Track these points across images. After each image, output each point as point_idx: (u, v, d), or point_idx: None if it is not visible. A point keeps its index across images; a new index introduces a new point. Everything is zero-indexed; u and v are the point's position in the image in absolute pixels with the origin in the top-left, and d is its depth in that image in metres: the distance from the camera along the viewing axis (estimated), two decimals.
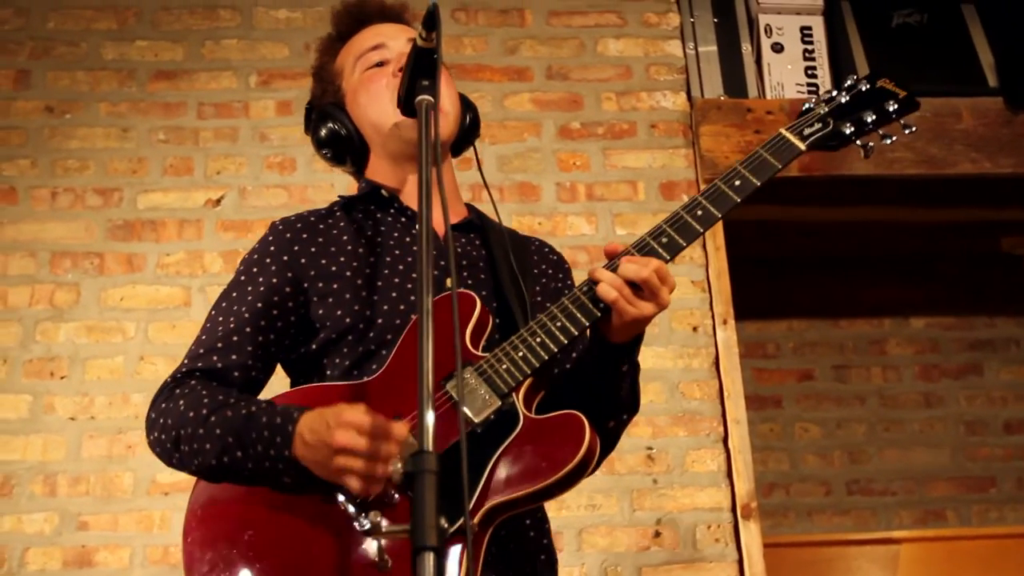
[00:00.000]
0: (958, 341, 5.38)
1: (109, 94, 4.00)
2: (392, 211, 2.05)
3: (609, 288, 1.74)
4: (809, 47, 4.32)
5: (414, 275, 1.95)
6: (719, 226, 3.93)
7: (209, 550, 1.72)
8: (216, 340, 1.89)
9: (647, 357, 3.77)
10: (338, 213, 2.06)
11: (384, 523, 1.49)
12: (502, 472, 1.67)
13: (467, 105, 2.18)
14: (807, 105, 1.96)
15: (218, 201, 3.87)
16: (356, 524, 1.64)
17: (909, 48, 4.39)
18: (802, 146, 1.88)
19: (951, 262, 5.40)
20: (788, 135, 1.89)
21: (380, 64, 2.04)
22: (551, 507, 3.46)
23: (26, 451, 3.51)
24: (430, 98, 1.71)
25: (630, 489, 3.62)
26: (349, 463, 1.59)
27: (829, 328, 5.33)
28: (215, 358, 1.87)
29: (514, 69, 4.18)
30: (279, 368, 2.01)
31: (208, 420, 1.76)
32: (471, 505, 1.45)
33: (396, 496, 1.66)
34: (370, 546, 1.64)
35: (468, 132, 2.19)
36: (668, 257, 1.78)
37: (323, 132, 2.08)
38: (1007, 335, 5.42)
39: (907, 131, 1.94)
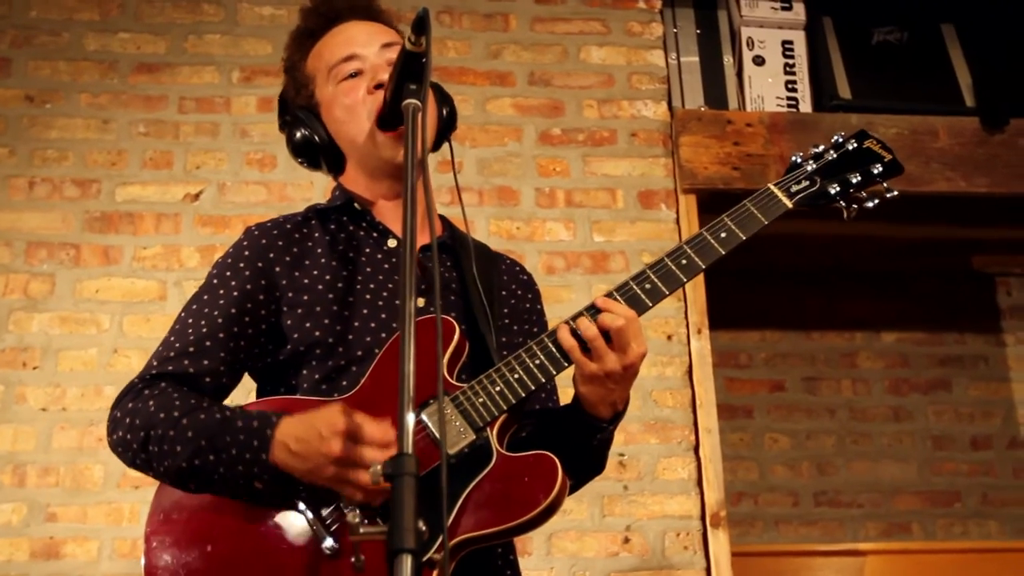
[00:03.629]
0: (928, 356, 5.42)
1: (90, 85, 3.99)
2: (364, 225, 2.03)
3: (567, 335, 1.76)
4: (790, 61, 4.36)
5: (385, 293, 1.94)
6: None
7: (170, 558, 1.71)
8: (188, 344, 1.87)
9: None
10: (313, 222, 2.04)
11: (362, 525, 1.49)
12: (472, 507, 1.67)
13: (443, 98, 2.14)
14: (795, 159, 1.98)
15: (197, 196, 3.86)
16: (322, 543, 1.66)
17: (888, 65, 4.43)
18: (789, 204, 1.91)
19: (923, 279, 5.44)
20: (776, 191, 1.92)
21: (355, 75, 2.01)
22: None
23: None
24: (416, 102, 1.70)
25: (600, 495, 3.63)
26: (349, 474, 1.61)
27: (801, 340, 5.35)
28: (186, 362, 1.85)
29: (497, 73, 4.19)
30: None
31: (180, 422, 1.74)
32: (439, 540, 1.46)
33: (367, 523, 1.64)
34: (330, 568, 1.64)
35: (445, 126, 2.14)
36: (649, 304, 1.82)
37: (298, 138, 2.05)
38: (976, 352, 5.47)
39: (889, 195, 1.96)
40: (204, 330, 1.87)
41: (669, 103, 4.22)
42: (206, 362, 1.85)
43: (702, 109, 4.19)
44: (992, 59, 4.41)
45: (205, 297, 1.93)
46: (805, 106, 4.29)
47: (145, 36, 4.08)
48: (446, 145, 2.14)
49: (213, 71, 4.05)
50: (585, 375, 1.76)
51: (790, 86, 4.30)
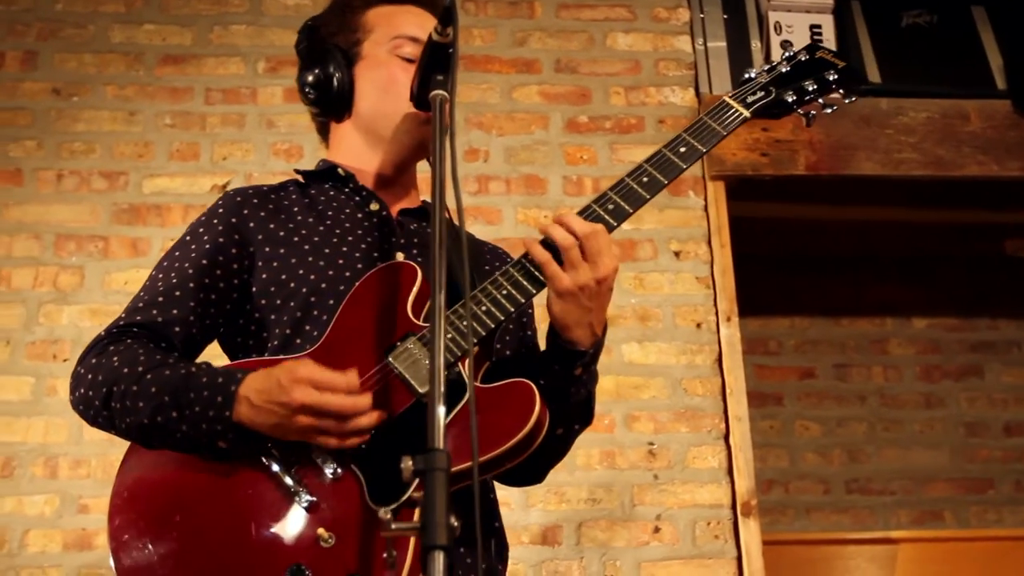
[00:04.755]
0: (960, 342, 5.38)
1: (116, 77, 3.99)
2: (347, 190, 2.00)
3: (541, 250, 1.72)
4: (819, 43, 4.30)
5: (363, 246, 1.91)
6: (725, 223, 3.93)
7: (136, 534, 1.64)
8: (157, 295, 1.84)
9: (650, 352, 3.78)
10: (291, 188, 2.03)
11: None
12: (449, 443, 1.55)
13: None
14: (748, 74, 1.98)
15: (224, 187, 3.86)
16: (295, 499, 1.61)
17: (918, 49, 4.38)
18: (747, 112, 1.89)
19: (955, 263, 5.39)
20: (732, 102, 1.90)
21: (411, 61, 1.97)
22: (551, 498, 3.51)
23: (28, 433, 3.50)
24: (444, 93, 1.69)
25: (631, 484, 3.61)
26: (318, 422, 1.58)
27: (831, 326, 5.32)
28: (154, 311, 1.81)
29: (523, 61, 4.16)
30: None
31: (144, 377, 1.69)
32: (412, 463, 1.35)
33: (340, 471, 1.63)
34: (307, 523, 1.60)
35: None
36: (614, 223, 1.76)
37: (317, 76, 2.01)
38: (1009, 337, 5.42)
39: (847, 100, 1.97)
40: (174, 280, 1.85)
41: (696, 89, 4.19)
42: (175, 311, 1.82)
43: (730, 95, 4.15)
44: (1023, 41, 4.35)
45: (177, 253, 1.91)
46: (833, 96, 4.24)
47: (171, 27, 4.08)
48: (471, 134, 2.14)
49: (239, 62, 4.05)
50: (559, 290, 1.70)
51: None
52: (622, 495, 3.60)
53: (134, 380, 1.69)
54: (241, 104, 3.98)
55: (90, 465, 3.47)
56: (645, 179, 1.80)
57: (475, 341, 1.71)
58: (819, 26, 4.34)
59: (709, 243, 3.92)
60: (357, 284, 1.81)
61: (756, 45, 4.34)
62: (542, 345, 1.88)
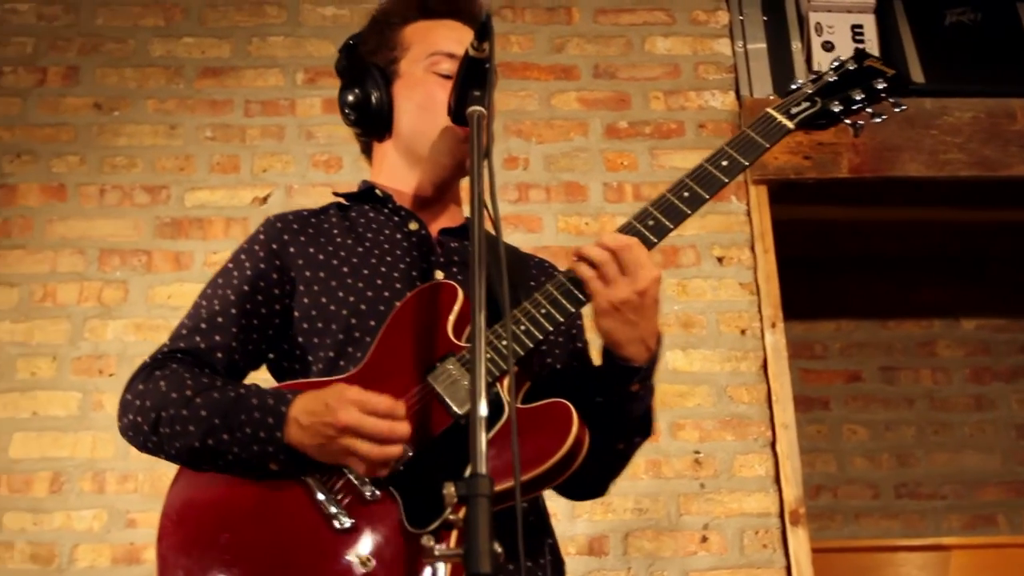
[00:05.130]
0: (1010, 343, 5.29)
1: (156, 91, 4.01)
2: (385, 210, 2.00)
3: (585, 267, 1.70)
4: (861, 46, 4.24)
5: (402, 266, 1.91)
6: (768, 228, 3.89)
7: (183, 555, 1.66)
8: (200, 321, 1.86)
9: (695, 360, 3.74)
10: (331, 211, 2.03)
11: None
12: (488, 466, 1.58)
13: None
14: (794, 85, 1.93)
15: (264, 199, 3.87)
16: (335, 523, 1.61)
17: (962, 47, 4.31)
18: (790, 125, 1.85)
19: (1003, 263, 5.31)
20: (776, 114, 1.87)
21: (449, 77, 1.95)
22: (597, 508, 3.49)
23: (75, 448, 3.52)
24: (482, 109, 1.68)
25: (677, 493, 3.58)
26: (355, 445, 1.57)
27: (877, 329, 5.26)
28: (197, 338, 1.84)
29: (561, 67, 4.14)
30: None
31: (192, 401, 1.71)
32: (455, 489, 1.35)
33: (378, 494, 1.62)
34: (347, 547, 1.59)
35: None
36: (655, 240, 1.73)
37: (357, 96, 2.02)
38: None
39: (897, 110, 1.91)
40: (216, 307, 1.87)
41: (737, 92, 4.15)
42: (217, 337, 1.84)
43: (771, 98, 4.11)
44: None
45: (219, 280, 1.93)
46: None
47: (209, 40, 4.09)
48: (510, 141, 2.12)
49: (277, 73, 4.05)
50: (600, 308, 1.68)
51: None
52: (668, 505, 3.57)
53: (183, 404, 1.71)
54: (280, 116, 3.99)
55: (137, 480, 3.49)
56: (686, 194, 1.76)
57: (513, 362, 1.68)
58: (861, 26, 4.29)
59: (752, 248, 3.88)
60: (399, 305, 1.80)
61: (797, 46, 4.28)
62: (594, 355, 1.86)
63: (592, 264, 1.69)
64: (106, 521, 3.44)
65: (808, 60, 4.23)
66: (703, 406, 3.68)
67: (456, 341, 1.74)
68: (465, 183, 1.95)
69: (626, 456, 1.87)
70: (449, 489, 1.31)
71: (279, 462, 1.66)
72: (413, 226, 1.97)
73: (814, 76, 1.93)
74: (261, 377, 1.90)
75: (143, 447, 1.78)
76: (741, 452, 3.64)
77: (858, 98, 1.88)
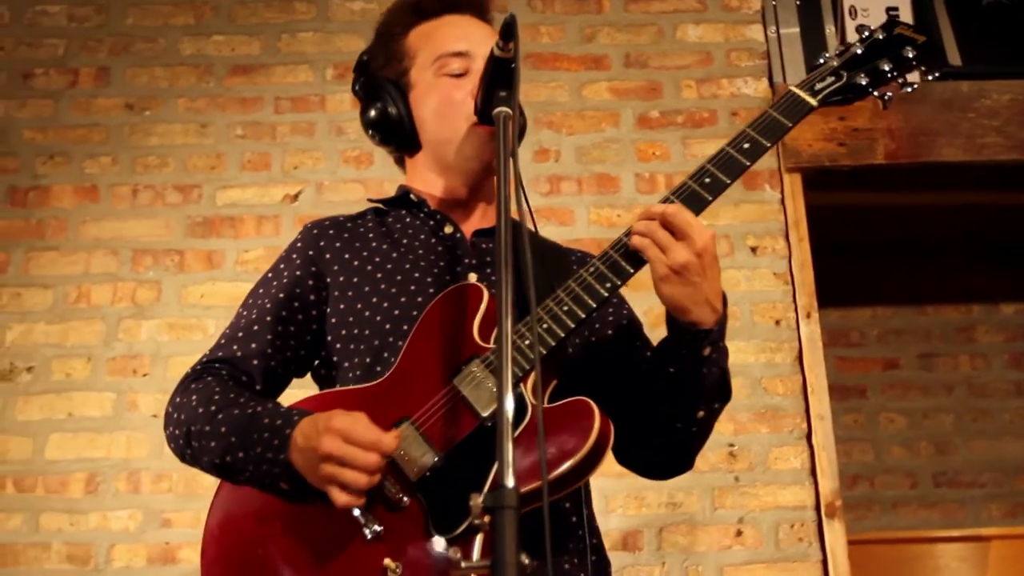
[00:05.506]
0: None
1: (187, 90, 4.02)
2: (421, 215, 2.02)
3: (639, 237, 1.68)
4: None
5: (436, 271, 1.92)
6: (802, 216, 3.86)
7: (223, 569, 1.71)
8: (238, 331, 1.90)
9: (729, 352, 3.71)
10: (368, 216, 2.05)
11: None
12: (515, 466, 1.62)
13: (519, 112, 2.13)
14: (821, 59, 1.87)
15: (295, 196, 3.87)
16: (365, 531, 1.62)
17: (1000, 28, 4.23)
18: (813, 102, 1.79)
19: None
20: (799, 92, 1.80)
21: (460, 75, 1.97)
22: (631, 503, 3.48)
23: (110, 448, 3.56)
24: (508, 110, 1.66)
25: (711, 487, 3.56)
26: (332, 471, 1.58)
27: (915, 315, 5.20)
28: (235, 347, 1.88)
29: (591, 57, 4.11)
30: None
31: (216, 417, 1.74)
32: (482, 500, 1.34)
33: (406, 500, 1.63)
34: (375, 554, 1.62)
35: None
36: None
37: (380, 113, 2.02)
38: None
39: (929, 78, 1.85)
40: (254, 316, 1.91)
41: (770, 79, 4.10)
42: (253, 345, 1.87)
43: None
44: None
45: (260, 290, 1.97)
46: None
47: (239, 37, 4.10)
48: (541, 133, 2.11)
49: (307, 69, 4.05)
50: (662, 274, 1.66)
51: None
52: (702, 498, 3.55)
53: (207, 420, 1.75)
54: (310, 112, 3.99)
55: (171, 479, 3.52)
56: (707, 180, 1.73)
57: (536, 358, 1.66)
58: (896, 9, 4.22)
59: (787, 237, 3.84)
60: (426, 309, 1.81)
61: (831, 30, 4.22)
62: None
63: (644, 234, 1.68)
64: (141, 521, 3.48)
65: (843, 43, 4.17)
66: (737, 398, 3.65)
67: (481, 343, 1.74)
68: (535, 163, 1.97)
69: (708, 423, 1.83)
70: (476, 500, 1.30)
71: (287, 482, 1.67)
72: (448, 229, 1.98)
73: (841, 49, 1.87)
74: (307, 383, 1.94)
75: (183, 458, 1.83)
76: (776, 444, 3.62)
77: (886, 68, 1.81)
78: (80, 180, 3.90)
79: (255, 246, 3.80)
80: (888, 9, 4.20)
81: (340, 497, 1.59)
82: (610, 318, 2.01)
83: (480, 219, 2.03)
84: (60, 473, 3.53)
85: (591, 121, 4.00)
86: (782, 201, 3.90)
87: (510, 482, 1.27)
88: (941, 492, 4.92)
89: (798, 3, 4.27)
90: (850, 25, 4.15)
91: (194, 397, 1.79)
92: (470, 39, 2.00)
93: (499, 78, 1.70)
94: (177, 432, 1.80)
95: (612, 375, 1.91)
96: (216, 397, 1.77)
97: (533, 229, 2.04)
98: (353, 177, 3.89)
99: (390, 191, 3.77)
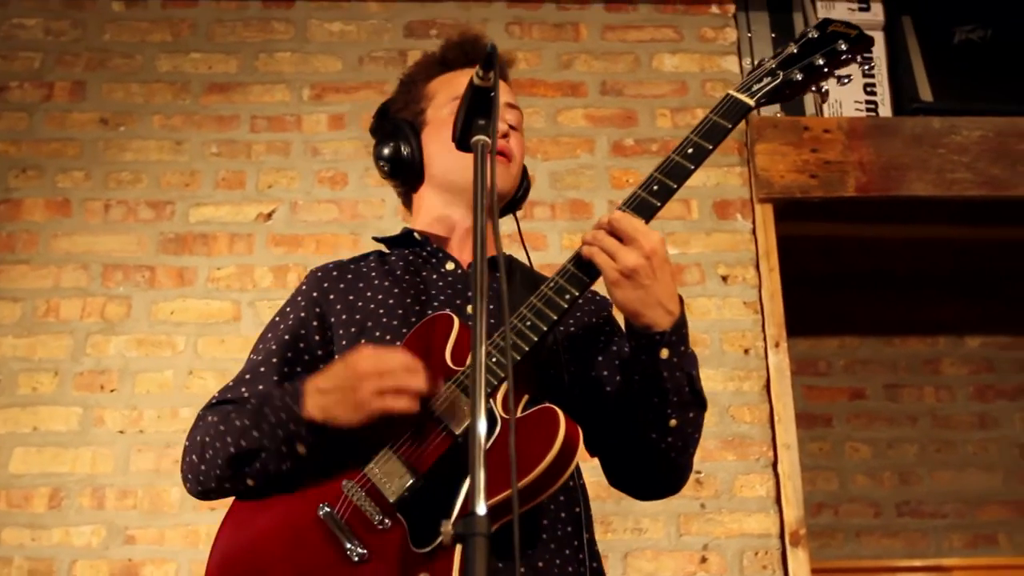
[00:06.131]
0: (1014, 361, 5.27)
1: (163, 107, 4.02)
2: (424, 253, 2.09)
3: (587, 247, 1.75)
4: (869, 64, 4.23)
5: (436, 305, 1.97)
6: (773, 247, 3.88)
7: None
8: (245, 374, 1.97)
9: None
10: (371, 258, 2.13)
11: None
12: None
13: (525, 175, 2.21)
14: (758, 61, 1.92)
15: (269, 215, 3.87)
16: (351, 554, 1.67)
17: (972, 65, 4.29)
18: (751, 102, 1.85)
19: (1009, 281, 5.28)
20: (736, 95, 1.86)
21: None
22: (596, 528, 3.45)
23: (75, 464, 3.53)
24: (486, 138, 1.69)
25: (677, 513, 3.58)
26: (378, 384, 1.65)
27: (882, 346, 5.24)
28: (242, 388, 1.94)
29: (568, 84, 4.14)
30: None
31: (229, 416, 1.83)
32: (455, 512, 1.44)
33: (387, 521, 1.67)
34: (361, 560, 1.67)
35: (519, 200, 2.23)
36: None
37: (389, 150, 2.11)
38: None
39: (864, 66, 1.93)
40: (260, 359, 1.97)
41: None
42: (260, 386, 1.93)
43: (778, 116, 4.09)
44: None
45: (268, 335, 2.03)
46: (885, 110, 4.17)
47: (216, 56, 4.10)
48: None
49: (284, 89, 4.06)
50: (613, 279, 1.70)
51: (869, 89, 4.18)
52: (668, 524, 3.57)
53: (222, 420, 1.85)
54: (286, 132, 4.00)
55: (137, 496, 3.50)
56: (655, 187, 1.79)
57: (502, 376, 1.72)
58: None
59: (757, 267, 3.87)
60: (403, 341, 1.85)
61: None
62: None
63: (591, 243, 1.73)
64: (104, 537, 3.45)
65: None
66: (705, 426, 3.57)
67: (453, 367, 1.78)
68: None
69: (684, 433, 1.85)
70: (447, 528, 1.34)
71: (304, 441, 1.74)
72: (450, 266, 2.05)
73: (778, 51, 1.93)
74: None
75: (196, 485, 1.89)
76: (742, 472, 3.64)
77: (820, 63, 1.86)
78: (52, 194, 3.88)
79: (227, 264, 3.79)
80: None
81: (398, 403, 1.65)
82: (601, 337, 2.06)
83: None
84: (23, 487, 3.50)
85: (566, 147, 4.03)
86: (753, 231, 3.93)
87: (481, 509, 1.28)
88: (904, 521, 4.95)
89: (773, 36, 4.32)
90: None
91: (209, 418, 1.89)
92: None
93: (478, 106, 1.72)
94: (193, 458, 1.87)
95: (599, 393, 1.96)
96: (229, 407, 1.88)
97: (527, 260, 2.15)
98: (328, 197, 3.90)
99: (365, 212, 3.82)
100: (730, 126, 1.82)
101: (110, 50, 4.09)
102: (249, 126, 4.00)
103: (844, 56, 1.88)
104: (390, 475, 1.70)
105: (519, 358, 1.72)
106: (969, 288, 5.29)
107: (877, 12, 4.29)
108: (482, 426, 1.37)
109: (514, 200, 2.20)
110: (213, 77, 4.07)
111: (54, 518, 3.47)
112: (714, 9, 4.26)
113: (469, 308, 1.94)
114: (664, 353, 1.74)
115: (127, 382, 3.63)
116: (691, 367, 1.81)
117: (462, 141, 1.77)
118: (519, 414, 1.74)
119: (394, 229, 3.70)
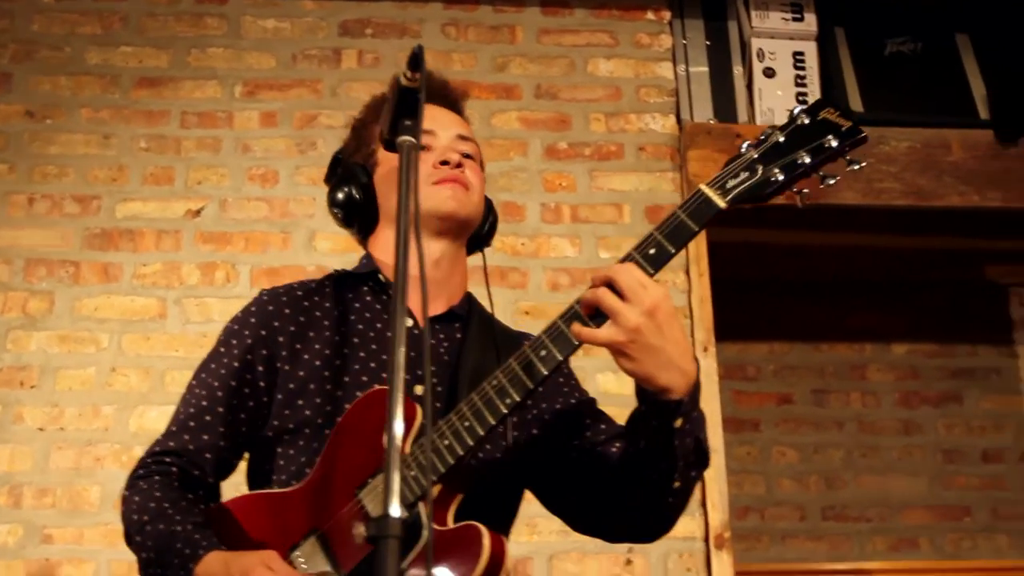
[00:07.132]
0: (939, 369, 5.37)
1: (91, 100, 3.96)
2: (384, 298, 1.99)
3: (590, 293, 1.62)
4: (801, 73, 4.28)
5: (384, 375, 1.88)
6: (703, 252, 3.91)
7: None
8: (189, 419, 1.88)
9: (626, 382, 3.65)
10: (327, 290, 2.02)
11: None
12: None
13: (490, 209, 2.16)
14: (741, 148, 1.72)
15: (198, 212, 3.83)
16: None
17: (902, 77, 4.36)
18: (722, 204, 1.67)
19: (935, 289, 5.38)
20: (708, 191, 1.68)
21: (424, 148, 1.95)
22: (522, 530, 3.49)
23: None
24: (412, 139, 1.64)
25: None
26: None
27: (810, 352, 5.31)
28: (186, 437, 1.86)
29: (503, 86, 4.14)
30: None
31: (144, 529, 1.76)
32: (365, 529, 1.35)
33: None
34: None
35: (486, 235, 2.16)
36: (576, 343, 1.65)
37: (341, 194, 2.03)
38: (988, 364, 5.41)
39: (852, 167, 1.70)
40: (204, 404, 1.89)
41: (678, 116, 4.16)
42: (205, 437, 1.86)
43: (711, 122, 4.13)
44: (1007, 71, 4.32)
45: (212, 365, 1.93)
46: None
47: (147, 50, 4.04)
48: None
49: (215, 85, 4.02)
50: (617, 344, 1.57)
51: (801, 98, 4.22)
52: None
53: (138, 530, 1.78)
54: (217, 128, 3.95)
55: (55, 494, 3.44)
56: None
57: (433, 479, 1.66)
58: (802, 53, 4.33)
59: (687, 272, 3.90)
60: (343, 416, 1.80)
61: (738, 71, 4.32)
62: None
63: (590, 304, 1.61)
64: (21, 536, 3.40)
65: (749, 85, 4.27)
66: None
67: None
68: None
69: (686, 492, 1.76)
70: (359, 529, 1.38)
71: None
72: (408, 322, 1.86)
73: (761, 136, 1.72)
74: None
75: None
76: None
77: (805, 161, 1.67)
78: None
79: (153, 260, 3.74)
80: (795, 53, 4.31)
81: None
82: (557, 405, 1.99)
83: (443, 299, 1.99)
84: None
85: (499, 149, 4.03)
86: None
87: (395, 511, 1.24)
88: (828, 525, 5.02)
89: (708, 44, 4.35)
90: (757, 67, 4.25)
91: (136, 498, 1.80)
92: (436, 120, 2.02)
93: (405, 107, 1.69)
94: (124, 523, 1.82)
95: (561, 461, 1.90)
96: (152, 505, 1.78)
97: (489, 304, 2.03)
98: (258, 195, 3.86)
99: (295, 211, 3.80)
100: (696, 228, 1.66)
101: (38, 41, 4.02)
102: (179, 122, 3.95)
103: (832, 153, 1.68)
104: (316, 569, 1.68)
105: (453, 462, 1.66)
106: (896, 296, 5.38)
107: (810, 22, 4.34)
108: (399, 427, 1.30)
109: (480, 236, 2.13)
110: (144, 71, 4.02)
111: None
112: (650, 16, 4.28)
113: (417, 388, 1.84)
114: (678, 423, 1.62)
115: (48, 378, 3.57)
116: (701, 430, 1.70)
117: (389, 143, 1.76)
118: (450, 519, 1.70)
119: (324, 228, 3.73)
